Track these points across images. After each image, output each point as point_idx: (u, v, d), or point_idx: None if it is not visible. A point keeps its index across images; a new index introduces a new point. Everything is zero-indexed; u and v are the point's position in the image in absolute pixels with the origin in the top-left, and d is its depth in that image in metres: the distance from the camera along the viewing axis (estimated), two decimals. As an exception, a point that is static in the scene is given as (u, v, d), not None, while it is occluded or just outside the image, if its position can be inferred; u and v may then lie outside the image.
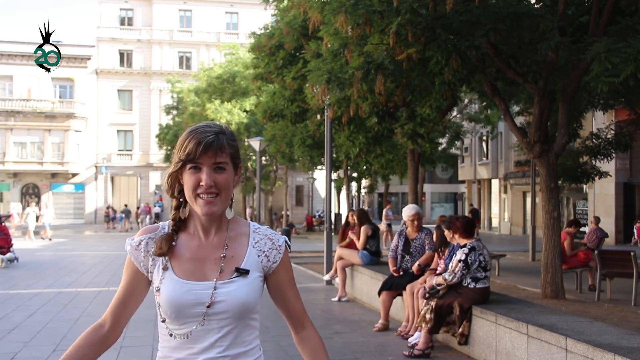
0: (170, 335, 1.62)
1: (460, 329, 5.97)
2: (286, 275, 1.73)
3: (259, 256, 1.68)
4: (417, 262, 7.32)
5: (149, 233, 1.68)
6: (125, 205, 37.84)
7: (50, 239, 25.32)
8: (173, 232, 1.67)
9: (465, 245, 6.04)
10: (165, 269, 1.62)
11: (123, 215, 36.34)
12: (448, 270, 6.05)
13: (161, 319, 1.62)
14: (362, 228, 9.33)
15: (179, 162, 1.59)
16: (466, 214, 31.86)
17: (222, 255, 1.64)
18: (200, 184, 1.57)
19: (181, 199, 1.67)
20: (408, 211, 7.61)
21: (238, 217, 1.76)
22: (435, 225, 7.64)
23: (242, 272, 1.63)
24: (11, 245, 14.88)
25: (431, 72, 8.99)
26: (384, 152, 15.70)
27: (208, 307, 1.58)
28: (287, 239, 1.75)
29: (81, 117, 41.56)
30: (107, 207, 37.99)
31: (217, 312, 1.59)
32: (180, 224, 1.68)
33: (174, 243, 1.65)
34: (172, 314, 1.59)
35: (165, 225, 1.70)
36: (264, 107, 17.20)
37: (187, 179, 1.59)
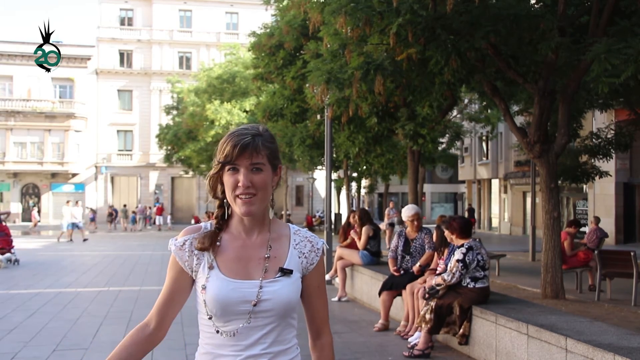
0: (217, 332, 1.66)
1: (461, 330, 5.97)
2: (318, 279, 1.79)
3: (299, 257, 1.74)
4: (418, 263, 7.32)
5: (193, 233, 1.73)
6: (125, 206, 37.95)
7: (85, 239, 24.05)
8: (216, 230, 1.72)
9: (462, 245, 6.04)
10: (211, 267, 1.68)
11: (135, 214, 36.57)
12: (447, 271, 6.05)
13: (207, 317, 1.67)
14: (364, 228, 9.33)
15: (218, 164, 1.67)
16: (464, 213, 31.88)
17: (266, 255, 1.71)
18: (238, 184, 1.63)
19: (224, 199, 1.73)
20: (408, 211, 7.61)
21: (277, 219, 1.82)
22: (435, 226, 7.64)
23: (286, 272, 1.69)
24: (12, 246, 14.79)
25: (431, 72, 8.99)
26: (383, 151, 15.71)
27: (254, 305, 1.63)
28: (325, 242, 1.81)
29: (81, 117, 41.59)
30: (110, 207, 37.95)
31: (263, 310, 1.65)
32: (222, 223, 1.74)
33: (218, 243, 1.71)
34: (218, 311, 1.64)
35: (208, 225, 1.75)
36: (264, 107, 17.20)
37: (227, 180, 1.67)
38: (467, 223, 6.30)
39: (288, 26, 14.28)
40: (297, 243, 1.76)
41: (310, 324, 1.82)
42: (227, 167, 1.65)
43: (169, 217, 36.39)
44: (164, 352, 5.92)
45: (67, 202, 25.82)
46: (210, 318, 1.66)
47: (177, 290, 1.72)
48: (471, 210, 31.88)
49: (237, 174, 1.64)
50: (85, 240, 24.05)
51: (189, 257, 1.70)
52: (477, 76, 9.36)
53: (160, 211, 36.57)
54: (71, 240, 24.10)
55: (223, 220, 1.74)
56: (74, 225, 23.98)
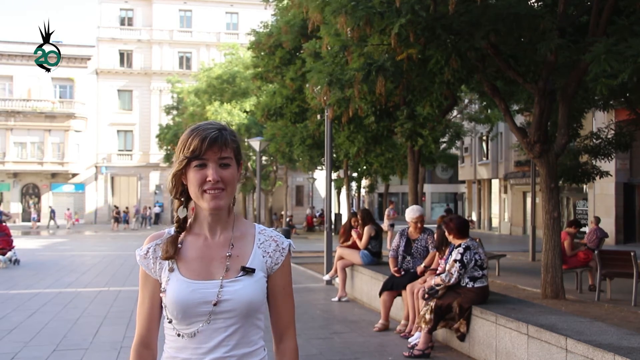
0: (178, 335, 1.62)
1: (457, 325, 5.97)
2: (283, 280, 1.72)
3: (263, 257, 1.69)
4: (423, 264, 7.29)
5: (156, 240, 1.69)
6: (116, 207, 38.50)
7: None
8: (177, 233, 1.68)
9: (459, 245, 6.04)
10: (171, 270, 1.63)
11: (127, 214, 36.94)
12: (445, 271, 6.05)
13: (167, 320, 1.63)
14: (366, 228, 9.31)
15: (183, 160, 1.60)
16: (448, 214, 31.65)
17: (227, 254, 1.65)
18: (207, 179, 1.58)
19: (182, 199, 1.68)
20: (412, 213, 7.55)
21: (243, 218, 1.77)
22: (436, 226, 7.63)
23: (248, 271, 1.63)
24: (12, 246, 14.79)
25: (431, 72, 8.99)
26: (383, 151, 15.71)
27: (215, 305, 1.58)
28: (291, 243, 1.76)
29: (81, 117, 41.58)
30: (116, 208, 38.06)
31: (224, 311, 1.59)
32: (184, 225, 1.69)
33: (179, 245, 1.66)
34: (178, 314, 1.59)
35: (172, 230, 1.70)
36: (263, 106, 17.21)
37: (193, 176, 1.60)
38: (465, 223, 6.28)
39: (287, 26, 14.27)
40: (262, 242, 1.70)
41: (274, 327, 1.75)
42: (193, 163, 1.59)
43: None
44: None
45: None
46: (170, 322, 1.62)
47: (155, 300, 1.67)
48: (449, 212, 31.98)
49: (205, 169, 1.58)
50: None
51: (154, 265, 1.66)
52: (477, 76, 9.36)
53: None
54: None
55: (184, 222, 1.68)
56: None
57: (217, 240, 1.67)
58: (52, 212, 37.44)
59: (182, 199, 1.68)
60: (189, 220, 1.71)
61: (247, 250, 1.68)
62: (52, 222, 36.60)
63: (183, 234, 1.69)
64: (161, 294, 1.63)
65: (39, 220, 37.09)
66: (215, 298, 1.58)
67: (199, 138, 1.58)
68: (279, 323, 1.74)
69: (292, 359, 1.75)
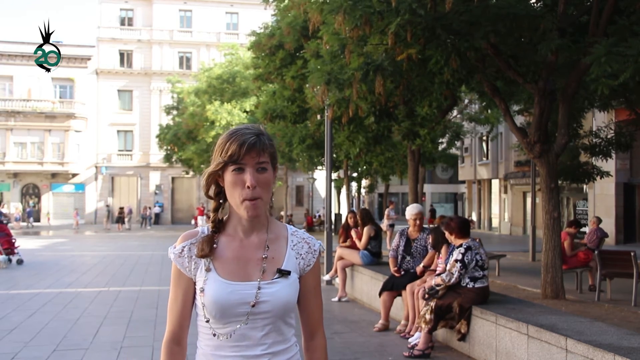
0: (214, 335, 1.65)
1: (458, 325, 5.97)
2: (314, 280, 1.78)
3: (296, 258, 1.73)
4: (422, 264, 7.29)
5: (190, 239, 1.71)
6: (108, 206, 38.83)
7: None
8: (213, 233, 1.70)
9: (461, 245, 6.04)
10: (208, 270, 1.66)
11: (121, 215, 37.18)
12: (446, 271, 6.05)
13: (205, 319, 1.65)
14: (366, 228, 9.31)
15: (220, 163, 1.62)
16: (428, 214, 31.59)
17: (263, 256, 1.69)
18: (246, 185, 1.60)
19: (220, 200, 1.70)
20: (411, 210, 7.58)
21: (275, 220, 1.80)
22: (434, 225, 7.63)
23: (284, 273, 1.68)
24: (16, 246, 14.78)
25: (431, 72, 8.99)
26: (383, 150, 15.70)
27: (253, 306, 1.62)
28: (321, 244, 1.80)
29: (81, 117, 41.58)
30: (120, 208, 38.25)
31: (261, 312, 1.63)
32: (219, 226, 1.71)
33: (215, 245, 1.68)
34: (217, 314, 1.62)
35: (205, 229, 1.73)
36: (264, 108, 17.19)
37: (230, 179, 1.63)
38: (465, 223, 6.28)
39: (289, 27, 14.25)
40: (295, 244, 1.74)
41: (304, 325, 1.80)
42: (231, 167, 1.61)
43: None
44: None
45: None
46: (207, 321, 1.65)
47: (188, 298, 1.70)
48: (433, 212, 32.16)
49: (243, 173, 1.60)
50: None
51: (189, 263, 1.68)
52: (477, 76, 9.36)
53: (202, 212, 36.53)
54: None
55: (220, 223, 1.71)
56: None
57: (252, 242, 1.70)
58: (29, 212, 38.55)
59: (219, 201, 1.70)
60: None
61: (282, 252, 1.72)
62: (28, 223, 37.62)
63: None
64: (199, 294, 1.66)
65: (22, 221, 37.69)
66: (253, 299, 1.62)
67: (237, 143, 1.60)
68: (310, 321, 1.79)
69: (323, 354, 1.81)
